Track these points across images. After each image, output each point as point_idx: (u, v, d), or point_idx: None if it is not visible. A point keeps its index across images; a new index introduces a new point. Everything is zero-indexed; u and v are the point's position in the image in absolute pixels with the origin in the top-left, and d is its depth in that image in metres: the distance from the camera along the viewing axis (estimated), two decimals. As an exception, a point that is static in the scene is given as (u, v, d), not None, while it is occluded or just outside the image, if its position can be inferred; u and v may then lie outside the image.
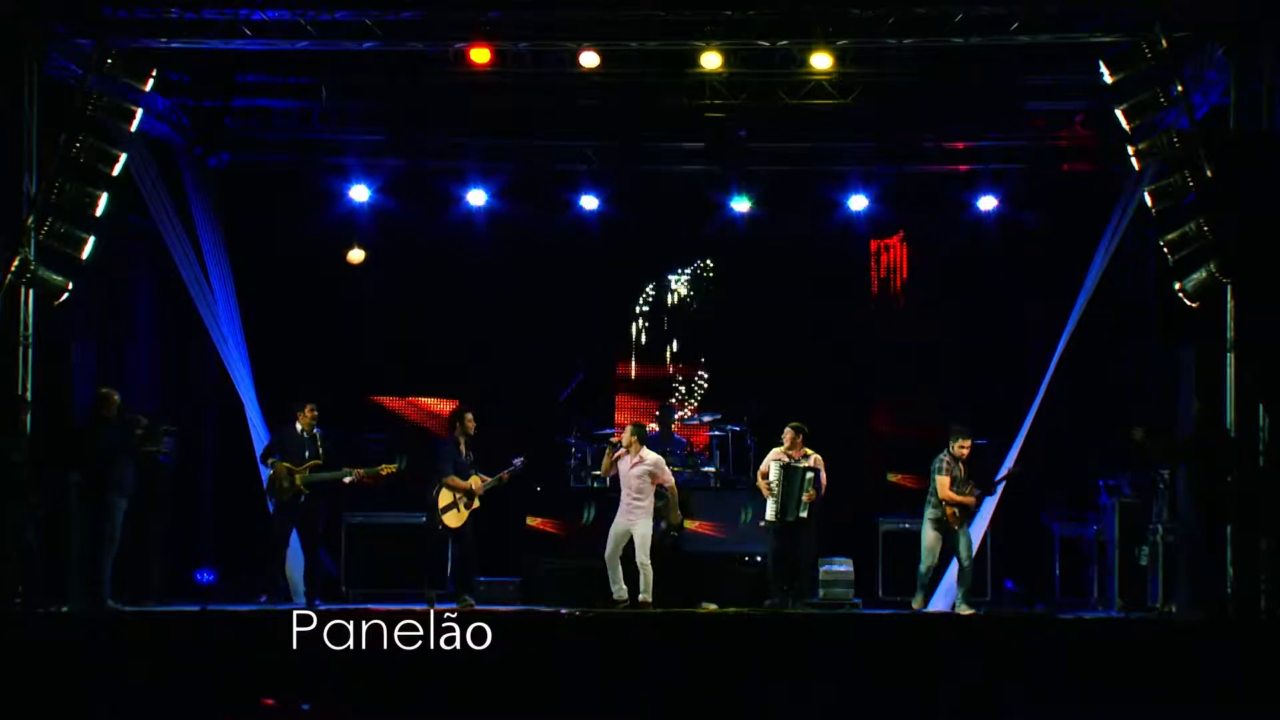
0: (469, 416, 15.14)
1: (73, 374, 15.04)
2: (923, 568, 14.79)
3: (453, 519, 14.95)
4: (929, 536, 14.78)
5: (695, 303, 18.67)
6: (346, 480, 15.07)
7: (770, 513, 14.83)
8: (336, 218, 17.56)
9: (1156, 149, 13.75)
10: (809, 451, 14.88)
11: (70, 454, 14.13)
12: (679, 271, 18.67)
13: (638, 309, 18.68)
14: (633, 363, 18.65)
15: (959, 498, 14.68)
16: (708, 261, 18.58)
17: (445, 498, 14.95)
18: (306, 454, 14.97)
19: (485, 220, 17.80)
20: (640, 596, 14.69)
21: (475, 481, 14.95)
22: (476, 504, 14.98)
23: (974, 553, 14.79)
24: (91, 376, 15.13)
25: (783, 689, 12.26)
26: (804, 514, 14.69)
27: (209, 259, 16.06)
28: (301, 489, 14.90)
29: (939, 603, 15.13)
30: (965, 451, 14.79)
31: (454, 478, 14.94)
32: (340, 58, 15.19)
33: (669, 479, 14.98)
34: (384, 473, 15.21)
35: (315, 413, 15.08)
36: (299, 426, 15.07)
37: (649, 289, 18.72)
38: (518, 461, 15.15)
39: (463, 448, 15.06)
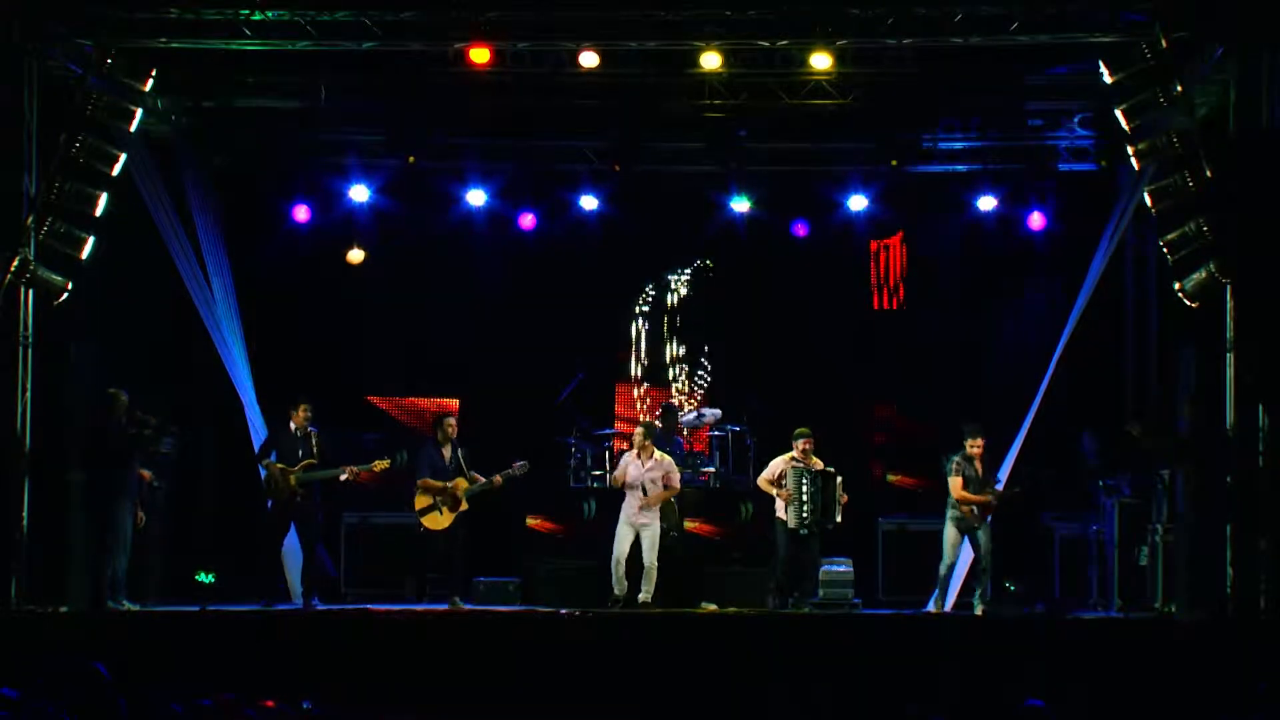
0: (449, 421, 15.23)
1: (73, 374, 15.03)
2: (943, 567, 14.72)
3: (433, 521, 14.94)
4: (950, 535, 14.70)
5: (695, 303, 18.65)
6: (342, 478, 15.02)
7: (793, 519, 14.75)
8: (336, 218, 17.56)
9: (1156, 149, 13.74)
10: (816, 460, 14.90)
11: (78, 455, 14.13)
12: (679, 271, 18.65)
13: (638, 309, 18.66)
14: (632, 363, 18.63)
15: (974, 497, 14.62)
16: (708, 261, 18.55)
17: (422, 500, 14.97)
18: (301, 453, 14.92)
19: (485, 220, 17.79)
20: (641, 597, 14.68)
21: (460, 484, 14.92)
22: (464, 506, 14.94)
23: (991, 549, 14.72)
24: (94, 377, 15.10)
25: (783, 689, 12.27)
26: (839, 519, 14.77)
27: (209, 259, 16.03)
28: (296, 489, 14.86)
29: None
30: (978, 450, 14.75)
31: (428, 479, 14.96)
32: (340, 58, 15.18)
33: (678, 482, 14.97)
34: (377, 469, 15.16)
35: (309, 412, 15.01)
36: (293, 426, 15.04)
37: (649, 289, 18.70)
38: (518, 465, 15.11)
39: (445, 452, 15.06)
